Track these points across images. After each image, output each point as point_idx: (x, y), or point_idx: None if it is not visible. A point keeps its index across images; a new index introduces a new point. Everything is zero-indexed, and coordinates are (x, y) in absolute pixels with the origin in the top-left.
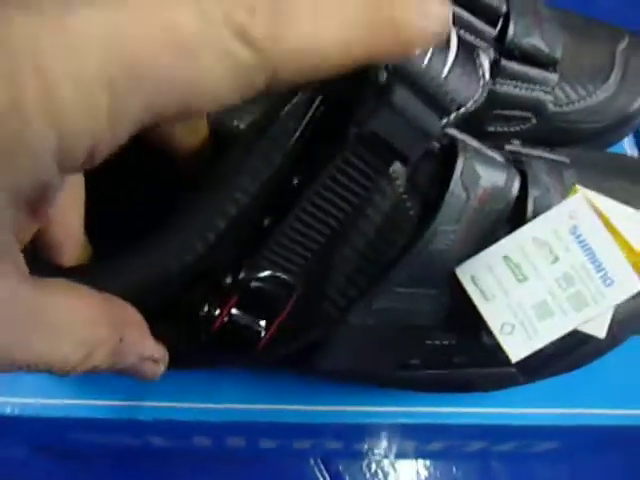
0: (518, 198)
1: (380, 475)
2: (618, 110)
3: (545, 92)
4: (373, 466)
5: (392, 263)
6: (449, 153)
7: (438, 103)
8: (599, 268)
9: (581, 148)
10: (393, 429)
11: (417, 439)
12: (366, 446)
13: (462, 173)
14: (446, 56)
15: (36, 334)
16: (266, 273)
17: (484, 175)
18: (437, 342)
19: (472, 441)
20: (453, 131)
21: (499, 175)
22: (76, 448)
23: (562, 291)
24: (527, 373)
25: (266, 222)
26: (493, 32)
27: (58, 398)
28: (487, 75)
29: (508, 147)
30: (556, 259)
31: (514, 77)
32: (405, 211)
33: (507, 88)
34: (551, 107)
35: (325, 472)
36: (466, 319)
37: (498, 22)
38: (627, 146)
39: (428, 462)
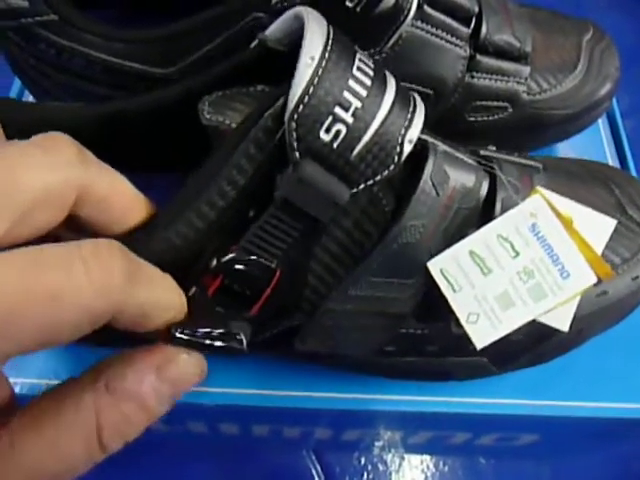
0: (488, 198)
1: (369, 467)
2: (586, 96)
3: (518, 83)
4: (362, 459)
5: (366, 253)
6: (421, 155)
7: (346, 177)
8: (556, 262)
9: (553, 132)
10: (382, 417)
11: (405, 428)
12: (356, 438)
13: (432, 173)
14: (362, 133)
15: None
16: (249, 258)
17: (453, 175)
18: (410, 330)
19: (457, 432)
20: (425, 135)
21: (468, 176)
22: None
23: (523, 283)
24: (497, 363)
25: (251, 213)
26: (467, 31)
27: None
28: (407, 149)
29: (483, 152)
30: (517, 254)
31: (489, 71)
32: (381, 207)
33: (483, 81)
34: (525, 96)
35: (317, 463)
36: (437, 309)
37: (471, 21)
38: (602, 130)
39: (416, 456)
